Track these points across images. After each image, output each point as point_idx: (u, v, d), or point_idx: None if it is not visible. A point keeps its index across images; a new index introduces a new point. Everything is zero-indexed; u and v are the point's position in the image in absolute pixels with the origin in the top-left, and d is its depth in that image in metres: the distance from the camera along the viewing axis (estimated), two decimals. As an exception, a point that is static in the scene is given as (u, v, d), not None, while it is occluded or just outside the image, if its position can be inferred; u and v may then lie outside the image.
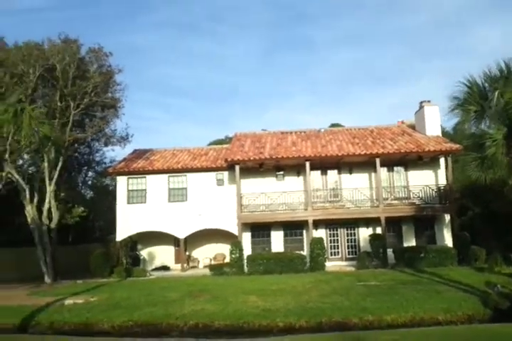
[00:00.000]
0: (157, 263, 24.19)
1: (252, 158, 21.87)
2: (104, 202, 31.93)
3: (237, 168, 21.85)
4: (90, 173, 32.20)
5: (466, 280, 15.60)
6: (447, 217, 22.61)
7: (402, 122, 27.72)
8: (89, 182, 32.43)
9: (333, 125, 36.27)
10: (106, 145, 29.22)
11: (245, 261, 20.34)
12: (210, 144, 37.12)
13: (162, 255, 24.44)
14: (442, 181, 22.96)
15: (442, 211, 21.94)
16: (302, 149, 22.75)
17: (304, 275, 18.50)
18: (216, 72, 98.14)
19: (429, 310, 12.17)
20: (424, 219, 22.50)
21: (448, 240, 22.30)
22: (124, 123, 21.54)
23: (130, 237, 23.41)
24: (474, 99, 10.69)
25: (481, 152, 15.93)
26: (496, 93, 10.05)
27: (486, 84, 10.76)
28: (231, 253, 20.50)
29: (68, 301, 14.21)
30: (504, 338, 8.72)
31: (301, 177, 23.36)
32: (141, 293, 15.24)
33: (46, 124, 12.54)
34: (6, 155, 18.00)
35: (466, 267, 18.83)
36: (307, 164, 21.68)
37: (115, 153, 30.78)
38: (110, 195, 32.47)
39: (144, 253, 24.50)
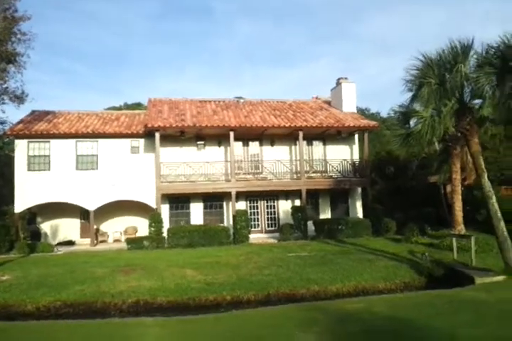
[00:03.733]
0: (60, 237, 21.85)
1: (174, 126, 20.52)
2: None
3: (157, 135, 20.37)
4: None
5: (388, 249, 16.44)
6: (360, 191, 23.64)
7: (317, 98, 28.08)
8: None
9: (236, 97, 35.54)
10: (-5, 104, 25.53)
11: (165, 233, 19.27)
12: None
13: (66, 229, 22.14)
14: (356, 156, 23.86)
15: (358, 184, 22.76)
16: (225, 118, 21.92)
17: (231, 248, 18.05)
18: (109, 36, 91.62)
19: (369, 279, 12.58)
20: (339, 192, 23.21)
21: (360, 212, 23.38)
22: (20, 80, 18.43)
23: (29, 209, 20.91)
24: (433, 73, 10.85)
25: (407, 128, 16.76)
26: (460, 66, 10.26)
27: (443, 61, 10.98)
28: (150, 226, 19.25)
29: (-23, 281, 12.14)
30: (461, 302, 9.18)
31: (222, 148, 22.61)
32: (62, 270, 13.53)
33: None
34: None
35: (380, 238, 19.86)
36: (231, 134, 20.94)
37: (3, 115, 26.86)
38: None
39: (44, 226, 22.04)
